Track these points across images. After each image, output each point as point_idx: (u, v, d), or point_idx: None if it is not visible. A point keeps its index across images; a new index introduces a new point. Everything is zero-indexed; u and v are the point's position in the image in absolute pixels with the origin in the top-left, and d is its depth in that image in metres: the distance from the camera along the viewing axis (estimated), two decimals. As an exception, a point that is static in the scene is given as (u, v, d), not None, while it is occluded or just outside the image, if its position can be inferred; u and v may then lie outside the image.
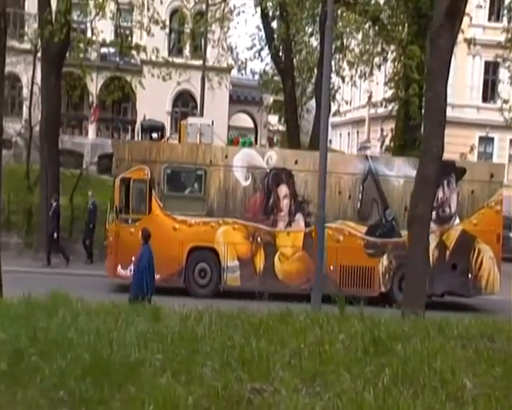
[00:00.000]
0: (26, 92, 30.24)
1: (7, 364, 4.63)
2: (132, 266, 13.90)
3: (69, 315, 6.31)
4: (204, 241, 16.50)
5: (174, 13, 32.50)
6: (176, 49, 33.65)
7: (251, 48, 26.50)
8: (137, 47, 24.19)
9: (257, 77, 28.51)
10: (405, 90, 19.73)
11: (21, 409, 3.97)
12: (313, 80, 24.92)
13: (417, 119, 18.50)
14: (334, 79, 24.90)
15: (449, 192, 16.82)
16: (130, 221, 16.40)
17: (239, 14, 25.39)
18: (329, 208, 16.14)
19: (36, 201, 22.33)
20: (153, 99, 30.40)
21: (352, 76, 25.63)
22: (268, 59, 26.18)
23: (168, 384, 4.37)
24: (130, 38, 28.17)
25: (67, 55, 21.38)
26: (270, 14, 23.65)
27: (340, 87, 27.73)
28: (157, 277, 15.06)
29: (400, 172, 16.50)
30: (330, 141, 16.64)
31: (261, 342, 5.42)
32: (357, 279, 16.56)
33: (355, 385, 4.45)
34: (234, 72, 32.14)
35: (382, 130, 27.49)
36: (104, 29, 23.67)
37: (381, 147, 23.49)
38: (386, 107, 23.67)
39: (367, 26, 23.33)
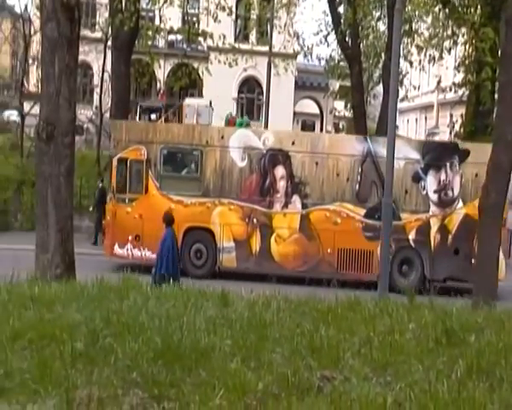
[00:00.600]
0: (96, 80, 31.06)
1: (83, 344, 4.77)
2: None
3: (140, 299, 6.45)
4: (200, 221, 16.49)
5: (240, -1, 32.56)
6: (242, 36, 33.76)
7: (317, 33, 26.28)
8: (204, 34, 24.42)
9: (323, 63, 28.26)
10: (477, 74, 19.11)
11: (97, 388, 4.08)
12: (380, 65, 24.51)
13: (489, 104, 17.90)
14: (402, 63, 24.38)
15: (452, 175, 16.25)
16: (126, 201, 16.62)
17: (305, -1, 25.21)
18: (327, 190, 16.22)
19: (106, 185, 22.92)
20: (219, 85, 30.62)
21: (420, 60, 25.01)
22: (334, 44, 25.90)
23: (238, 370, 4.40)
24: (197, 25, 28.42)
25: (136, 42, 21.77)
26: (337, -2, 23.34)
27: (407, 72, 27.15)
28: (151, 255, 15.76)
29: (400, 154, 15.77)
30: (397, 127, 16.27)
31: (330, 330, 5.39)
32: (355, 263, 16.23)
33: (427, 376, 4.36)
34: (299, 57, 31.96)
35: (452, 115, 26.79)
36: (172, 16, 24.00)
37: (451, 133, 22.87)
38: (455, 92, 23.01)
39: (437, 8, 22.67)
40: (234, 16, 28.73)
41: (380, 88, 24.47)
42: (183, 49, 28.64)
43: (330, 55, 26.74)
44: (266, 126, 22.60)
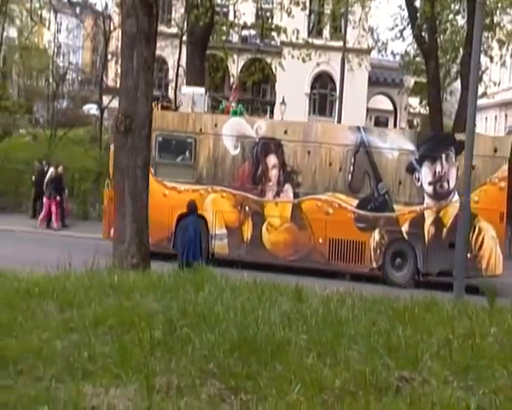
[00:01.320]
0: (171, 74, 31.58)
1: (161, 332, 4.86)
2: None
3: (215, 291, 6.51)
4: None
5: (315, -7, 32.34)
6: (315, 31, 33.52)
7: (392, 28, 25.74)
8: (278, 29, 24.40)
9: (398, 58, 27.70)
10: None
11: (175, 376, 4.15)
12: (458, 61, 23.76)
13: None
14: (482, 58, 23.53)
15: (447, 167, 15.68)
16: None
17: (382, -7, 24.75)
18: (319, 180, 15.97)
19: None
20: (292, 80, 30.54)
21: (501, 55, 24.10)
22: (410, 39, 25.31)
23: (314, 365, 4.37)
24: (270, 20, 28.45)
25: (211, 37, 22.01)
26: (415, -9, 22.79)
27: (487, 67, 26.23)
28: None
29: (394, 145, 15.54)
30: (475, 125, 15.60)
31: (407, 330, 5.27)
32: (347, 253, 15.91)
33: (512, 383, 4.19)
34: (373, 53, 31.44)
35: (534, 113, 25.68)
36: (246, 12, 24.10)
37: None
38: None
39: (521, 0, 21.79)
40: (307, 11, 28.46)
41: (457, 84, 23.76)
42: (257, 44, 28.75)
43: (405, 51, 26.16)
44: (339, 123, 22.36)
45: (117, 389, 3.91)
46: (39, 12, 33.43)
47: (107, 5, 32.23)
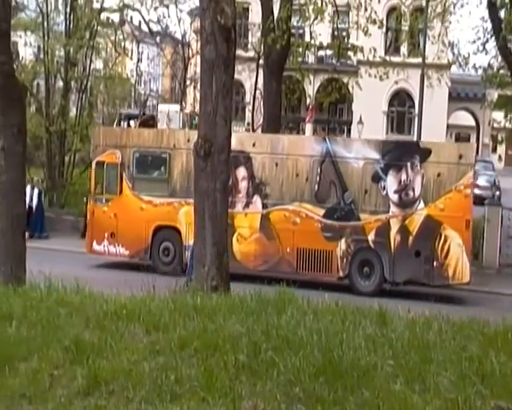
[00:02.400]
0: (248, 97, 32.03)
1: (245, 356, 4.87)
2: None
3: (297, 313, 6.47)
4: (167, 220, 17.09)
5: (391, 11, 32.02)
6: (393, 48, 33.16)
7: (474, 41, 25.04)
8: (354, 48, 24.28)
9: (480, 72, 26.88)
10: None
11: (261, 400, 4.14)
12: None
13: None
14: None
15: (412, 175, 15.70)
16: (103, 201, 17.64)
17: (462, 6, 24.14)
18: (286, 190, 16.31)
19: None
20: (369, 99, 30.31)
21: None
22: (493, 51, 24.51)
23: (402, 391, 4.25)
24: (346, 40, 28.36)
25: (287, 59, 22.17)
26: (498, 2, 22.10)
27: None
28: (126, 253, 17.59)
29: (359, 155, 15.74)
30: None
31: (500, 356, 5.03)
32: (315, 263, 16.05)
33: None
34: (454, 68, 30.73)
35: None
36: (321, 32, 24.15)
37: None
38: None
39: None
40: (384, 29, 28.26)
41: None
42: (333, 64, 28.71)
43: (489, 63, 25.35)
44: (419, 140, 21.89)
45: (204, 413, 3.94)
46: (123, 43, 34.83)
47: (185, 33, 33.14)
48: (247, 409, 4.03)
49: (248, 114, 30.47)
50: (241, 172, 16.76)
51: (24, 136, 11.10)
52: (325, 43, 27.98)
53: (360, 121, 31.12)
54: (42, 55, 30.75)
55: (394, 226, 15.72)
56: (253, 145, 16.78)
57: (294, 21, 24.63)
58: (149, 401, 4.12)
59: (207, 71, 11.08)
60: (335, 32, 25.42)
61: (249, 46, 29.77)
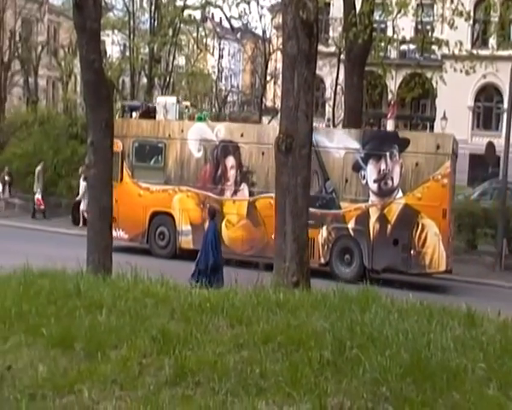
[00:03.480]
0: (329, 93, 31.79)
1: (330, 352, 4.82)
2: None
3: (381, 311, 6.34)
4: (163, 206, 18.05)
5: (479, 2, 30.88)
6: (480, 41, 31.99)
7: None
8: (439, 41, 23.58)
9: None
10: None
11: (347, 398, 4.08)
12: None
13: None
14: None
15: (391, 164, 16.02)
16: None
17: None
18: (271, 179, 16.09)
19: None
20: (453, 94, 29.39)
21: None
22: None
23: (496, 397, 4.08)
24: (430, 33, 27.58)
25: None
26: None
27: None
28: (125, 236, 18.46)
29: (341, 144, 16.19)
30: None
31: None
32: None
33: None
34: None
35: None
36: (404, 26, 23.61)
37: None
38: None
39: None
40: (471, 21, 27.27)
41: None
42: (416, 59, 28.02)
43: None
44: (508, 138, 21.00)
45: (290, 408, 3.92)
46: (204, 40, 35.36)
47: (266, 29, 33.25)
48: (334, 406, 3.99)
49: (328, 110, 30.23)
50: (230, 161, 17.54)
51: (111, 131, 11.46)
52: (408, 38, 27.36)
53: (444, 117, 30.24)
54: (127, 53, 31.71)
55: (373, 215, 16.05)
56: (241, 135, 17.50)
57: (377, 15, 24.18)
58: (235, 394, 4.14)
59: (289, 66, 11.07)
60: (419, 26, 24.78)
61: (330, 41, 29.50)
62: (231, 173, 17.57)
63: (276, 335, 5.26)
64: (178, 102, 20.00)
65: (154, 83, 30.32)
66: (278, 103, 31.05)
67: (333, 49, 27.97)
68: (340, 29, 25.09)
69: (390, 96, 32.95)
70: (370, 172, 16.20)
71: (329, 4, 31.39)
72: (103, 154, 11.27)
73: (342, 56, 24.75)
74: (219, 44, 41.28)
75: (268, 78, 31.86)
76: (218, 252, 12.51)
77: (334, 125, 26.13)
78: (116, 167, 18.37)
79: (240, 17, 29.72)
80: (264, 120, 29.36)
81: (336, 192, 16.44)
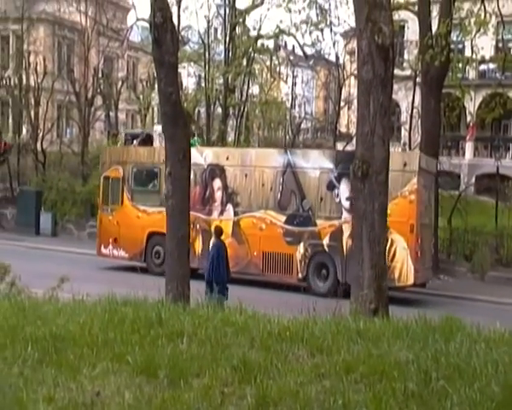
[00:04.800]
0: (404, 117, 31.31)
1: (415, 384, 4.67)
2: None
3: (466, 341, 6.11)
4: (158, 227, 18.50)
5: None
6: None
7: None
8: (522, 59, 22.88)
9: None
10: None
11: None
12: None
13: None
14: None
15: None
16: (109, 211, 20.51)
17: None
18: (254, 199, 18.11)
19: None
20: (536, 113, 28.24)
21: None
22: None
23: None
24: None
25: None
26: None
27: None
28: (126, 255, 20.24)
29: (316, 165, 17.08)
30: None
31: None
32: (278, 265, 17.53)
33: None
34: None
35: None
36: (484, 45, 23.04)
37: None
38: None
39: None
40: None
41: None
42: (497, 79, 27.20)
43: None
44: None
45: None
46: (278, 68, 35.73)
47: (339, 55, 33.27)
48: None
49: (404, 134, 29.73)
50: (217, 183, 18.88)
51: (188, 161, 11.72)
52: (488, 57, 26.67)
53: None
54: (203, 84, 32.46)
55: (346, 231, 16.51)
56: (227, 159, 18.80)
57: (454, 36, 23.74)
58: (318, 425, 4.07)
59: (364, 91, 10.99)
60: (500, 44, 24.10)
61: (405, 64, 29.13)
62: (218, 195, 18.86)
63: (357, 365, 5.16)
64: None
65: (229, 112, 30.83)
66: (352, 129, 30.89)
67: (408, 72, 27.57)
68: (415, 52, 24.74)
69: (469, 118, 32.06)
70: (343, 190, 17.01)
71: (403, 27, 31.09)
72: (181, 184, 11.53)
73: (418, 79, 24.37)
74: (293, 72, 41.62)
75: (342, 104, 31.76)
76: (223, 269, 12.97)
77: (411, 150, 25.65)
78: (117, 192, 20.59)
79: (313, 44, 29.89)
80: (339, 146, 29.16)
81: (312, 210, 17.42)
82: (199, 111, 35.42)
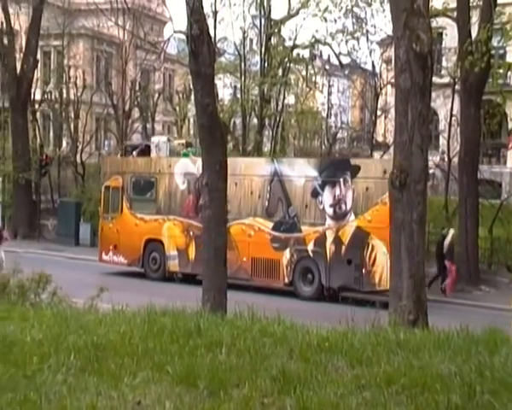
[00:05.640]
0: (442, 125, 30.91)
1: (459, 397, 4.57)
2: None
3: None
4: (155, 234, 20.44)
5: None
6: None
7: None
8: None
9: None
10: None
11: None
12: None
13: None
14: None
15: (345, 189, 17.54)
16: (109, 218, 21.48)
17: None
18: (243, 207, 18.84)
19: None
20: None
21: None
22: None
23: None
24: None
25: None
26: None
27: None
28: (125, 261, 21.24)
29: (301, 173, 17.66)
30: None
31: None
32: (266, 270, 18.17)
33: None
34: None
35: None
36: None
37: None
38: None
39: None
40: None
41: None
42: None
43: None
44: None
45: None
46: (313, 78, 35.70)
47: (375, 64, 33.07)
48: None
49: (443, 142, 29.33)
50: None
51: (225, 172, 11.77)
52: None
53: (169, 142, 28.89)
54: (238, 95, 32.65)
55: (329, 237, 17.55)
56: None
57: (495, 42, 23.36)
58: (360, 438, 4.02)
59: (402, 100, 10.89)
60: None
61: (443, 72, 28.78)
62: None
63: (398, 376, 5.08)
64: (169, 140, 22.49)
65: (265, 123, 30.91)
66: (389, 138, 30.61)
67: (446, 79, 27.22)
68: (454, 58, 24.44)
69: (510, 125, 31.45)
70: (327, 197, 17.79)
71: (442, 34, 30.75)
72: (218, 195, 11.58)
73: (457, 87, 24.05)
74: (328, 81, 41.57)
75: (378, 113, 31.54)
76: None
77: (450, 159, 25.29)
78: (117, 201, 21.39)
79: (349, 53, 29.79)
80: (376, 155, 28.93)
81: (298, 217, 18.02)
82: (234, 122, 35.62)
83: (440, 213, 24.34)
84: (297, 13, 29.33)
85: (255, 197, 18.88)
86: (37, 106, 35.21)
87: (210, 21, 23.30)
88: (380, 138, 37.98)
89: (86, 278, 18.46)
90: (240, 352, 5.68)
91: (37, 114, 35.92)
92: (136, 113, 37.24)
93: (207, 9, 25.16)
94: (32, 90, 32.40)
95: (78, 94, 34.67)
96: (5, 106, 33.32)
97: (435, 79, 27.92)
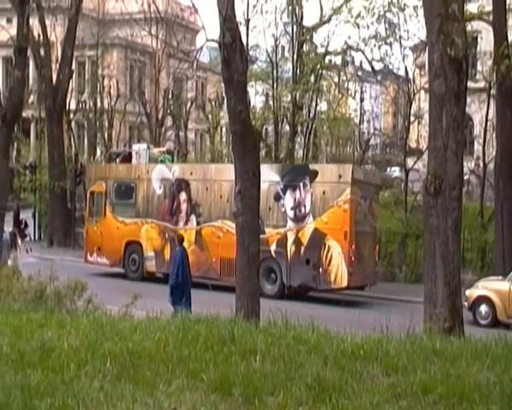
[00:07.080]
0: (477, 130, 30.46)
1: (499, 408, 4.48)
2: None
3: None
4: (134, 237, 21.51)
5: None
6: None
7: None
8: None
9: None
10: None
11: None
12: None
13: None
14: None
15: (304, 193, 18.46)
16: (94, 222, 22.66)
17: None
18: (213, 210, 19.98)
19: (489, 238, 22.14)
20: None
21: None
22: None
23: None
24: None
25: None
26: None
27: None
28: (107, 262, 22.35)
29: (265, 177, 17.40)
30: None
31: None
32: (233, 270, 17.42)
33: None
34: None
35: None
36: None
37: None
38: None
39: None
40: None
41: None
42: None
43: None
44: None
45: None
46: (346, 84, 35.55)
47: (408, 69, 32.77)
48: None
49: (477, 148, 28.89)
50: (183, 195, 20.68)
51: (258, 179, 11.77)
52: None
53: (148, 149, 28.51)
54: (270, 102, 32.68)
55: (290, 238, 18.51)
56: (191, 174, 20.90)
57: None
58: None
59: (437, 105, 10.76)
60: None
61: (478, 76, 28.38)
62: (183, 206, 20.70)
63: (435, 385, 5.01)
64: (149, 148, 23.55)
65: (297, 130, 30.86)
66: (423, 144, 30.26)
67: (482, 84, 26.81)
68: (489, 63, 24.08)
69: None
70: (288, 200, 18.71)
71: (477, 38, 30.34)
72: (250, 202, 11.58)
73: (492, 91, 23.68)
74: (361, 88, 41.30)
75: (411, 118, 31.23)
76: (185, 273, 14.01)
77: (485, 164, 24.89)
78: (101, 205, 22.54)
79: (381, 59, 29.55)
80: (409, 161, 28.64)
81: (262, 219, 18.28)
82: (267, 129, 35.65)
83: (476, 220, 23.96)
84: (329, 19, 29.23)
85: (224, 201, 19.75)
86: (72, 115, 35.84)
87: (242, 29, 23.34)
88: (413, 144, 37.62)
89: (120, 285, 18.69)
90: (274, 359, 5.67)
91: (72, 124, 36.56)
92: (169, 121, 37.57)
93: (239, 17, 25.24)
94: (67, 100, 32.97)
95: (112, 103, 35.16)
96: (42, 116, 33.94)
97: (470, 84, 27.49)
